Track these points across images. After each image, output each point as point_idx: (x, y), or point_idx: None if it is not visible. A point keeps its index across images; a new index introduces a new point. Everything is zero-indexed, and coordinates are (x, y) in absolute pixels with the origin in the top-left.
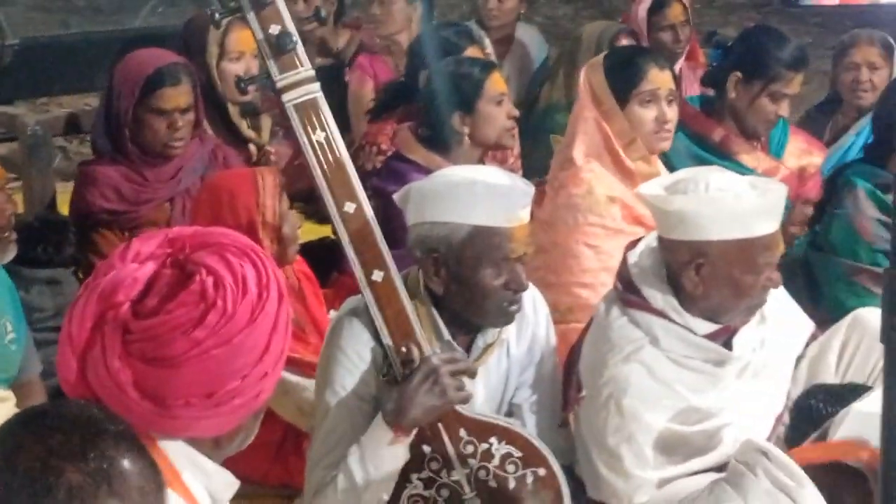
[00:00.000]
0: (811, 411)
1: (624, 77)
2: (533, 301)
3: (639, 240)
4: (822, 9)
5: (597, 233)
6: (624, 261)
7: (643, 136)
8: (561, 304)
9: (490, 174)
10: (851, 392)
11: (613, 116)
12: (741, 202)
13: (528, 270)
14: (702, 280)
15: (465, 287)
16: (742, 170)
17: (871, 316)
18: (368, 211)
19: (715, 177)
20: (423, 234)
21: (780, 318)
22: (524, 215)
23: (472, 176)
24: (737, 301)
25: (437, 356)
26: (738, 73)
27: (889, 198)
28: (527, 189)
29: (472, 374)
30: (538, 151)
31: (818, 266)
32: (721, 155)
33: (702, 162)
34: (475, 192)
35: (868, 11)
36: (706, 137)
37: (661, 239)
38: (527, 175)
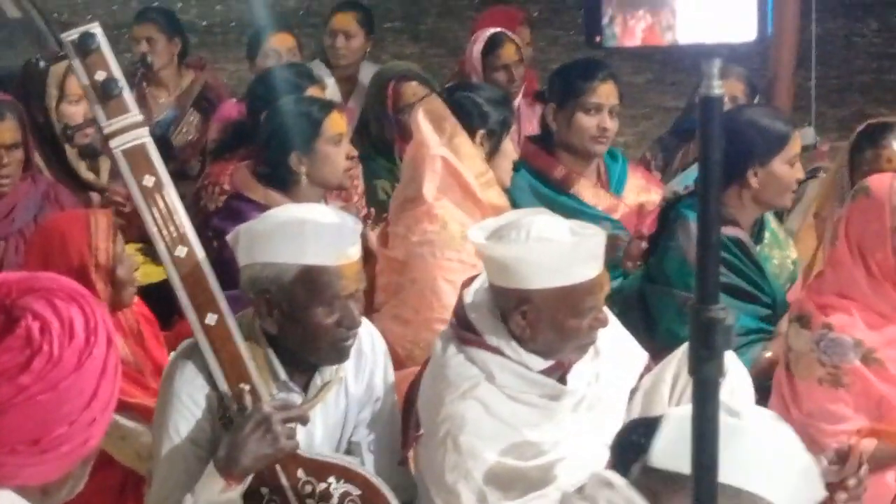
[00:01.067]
0: (633, 447)
1: (464, 113)
2: (371, 338)
3: (474, 277)
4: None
5: (454, 268)
6: (460, 298)
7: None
8: (422, 340)
9: (319, 213)
10: None
11: (463, 148)
12: (561, 251)
13: (386, 309)
14: (528, 324)
15: (298, 326)
16: (582, 207)
17: None
18: (200, 254)
19: (537, 223)
20: (253, 274)
21: (615, 351)
22: (353, 253)
23: (300, 215)
24: (563, 343)
25: (268, 403)
26: (553, 104)
27: (723, 231)
28: (355, 227)
29: (304, 422)
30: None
31: (653, 298)
32: (562, 192)
33: (544, 199)
34: (303, 232)
35: (671, 51)
36: (547, 174)
37: (490, 283)
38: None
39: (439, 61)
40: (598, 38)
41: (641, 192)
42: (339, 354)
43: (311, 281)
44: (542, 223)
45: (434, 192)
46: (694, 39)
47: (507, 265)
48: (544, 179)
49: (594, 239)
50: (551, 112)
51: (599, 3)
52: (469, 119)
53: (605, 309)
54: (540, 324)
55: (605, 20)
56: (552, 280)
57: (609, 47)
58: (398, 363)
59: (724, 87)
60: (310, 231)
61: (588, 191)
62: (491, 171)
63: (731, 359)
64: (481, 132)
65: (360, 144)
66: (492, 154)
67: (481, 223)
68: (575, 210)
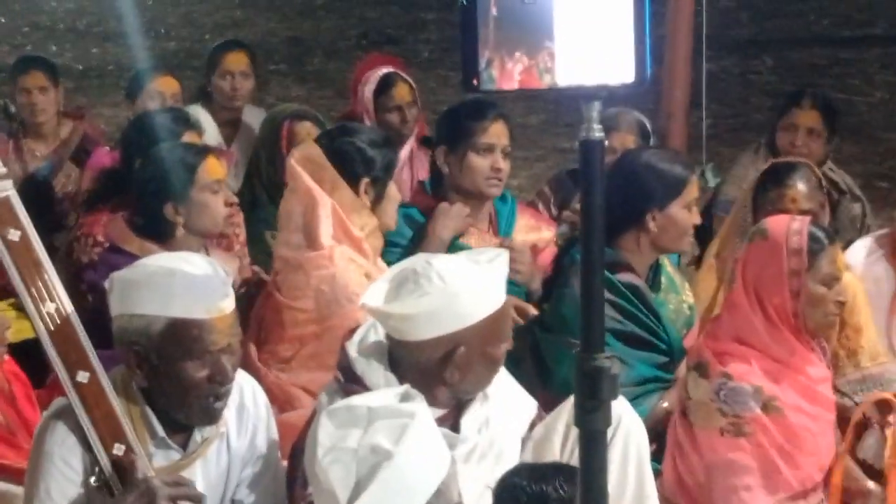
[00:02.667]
0: (515, 489)
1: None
2: (253, 392)
3: (355, 329)
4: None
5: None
6: (343, 350)
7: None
8: None
9: (189, 263)
10: (556, 470)
11: (346, 200)
12: (483, 280)
13: (300, 361)
14: (459, 367)
15: (168, 381)
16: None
17: None
18: (70, 309)
19: (437, 267)
20: (122, 326)
21: (503, 396)
22: (225, 305)
23: (169, 265)
24: (491, 374)
25: (159, 478)
26: (443, 146)
27: (618, 277)
28: (226, 279)
29: (196, 500)
30: (256, 249)
31: (546, 346)
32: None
33: None
34: (171, 283)
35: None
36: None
37: (402, 343)
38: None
39: (326, 103)
40: (475, 82)
41: (531, 231)
42: (210, 415)
43: (180, 334)
44: (441, 265)
45: (330, 238)
46: (573, 82)
47: (434, 315)
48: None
49: (500, 259)
50: (442, 155)
51: (475, 46)
52: (352, 166)
53: None
54: (471, 362)
55: (483, 63)
56: (482, 311)
57: (487, 90)
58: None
59: (616, 139)
60: (179, 282)
61: (474, 238)
62: (374, 220)
63: (624, 408)
64: (366, 180)
65: (249, 191)
66: (376, 201)
67: (369, 290)
68: None
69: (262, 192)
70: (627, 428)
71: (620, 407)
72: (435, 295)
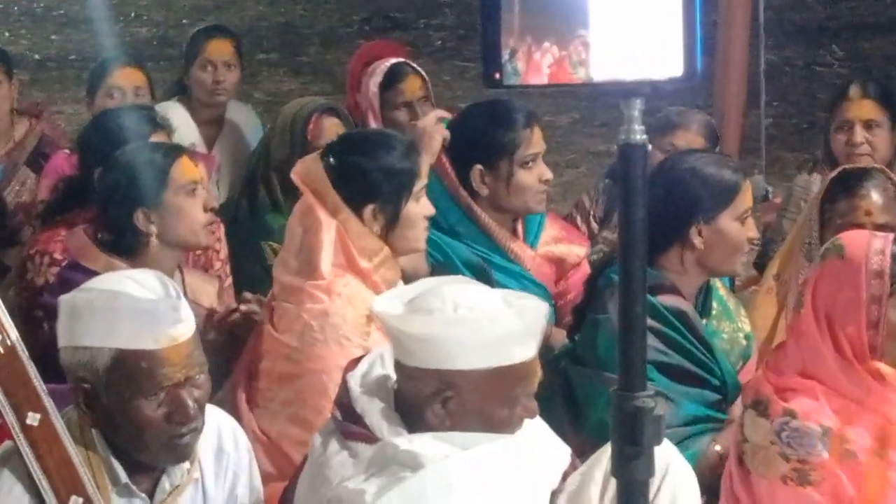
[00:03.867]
0: None
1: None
2: (233, 434)
3: (360, 359)
4: (543, 88)
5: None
6: (344, 384)
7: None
8: None
9: (137, 283)
10: None
11: (350, 226)
12: (496, 325)
13: (276, 405)
14: (449, 414)
15: (122, 422)
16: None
17: None
18: (15, 339)
19: (464, 292)
20: (67, 359)
21: (531, 444)
22: (178, 333)
23: (114, 287)
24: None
25: None
26: (479, 166)
27: (662, 301)
28: (179, 301)
29: None
30: (250, 258)
31: (580, 383)
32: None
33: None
34: (115, 309)
35: (597, 87)
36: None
37: (399, 365)
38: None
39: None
40: (497, 75)
41: (559, 243)
42: (175, 454)
43: (128, 368)
44: (470, 292)
45: (331, 265)
46: (611, 76)
47: (430, 342)
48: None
49: (533, 312)
50: (479, 176)
51: (497, 34)
52: (354, 191)
53: None
54: (464, 414)
55: (506, 54)
56: (484, 360)
57: (511, 85)
58: (290, 472)
59: (681, 139)
60: (123, 307)
61: (517, 245)
62: (386, 248)
63: (672, 455)
64: (371, 206)
65: (249, 196)
66: (390, 225)
67: (392, 291)
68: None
69: (267, 197)
70: (675, 478)
71: (667, 453)
72: (438, 319)
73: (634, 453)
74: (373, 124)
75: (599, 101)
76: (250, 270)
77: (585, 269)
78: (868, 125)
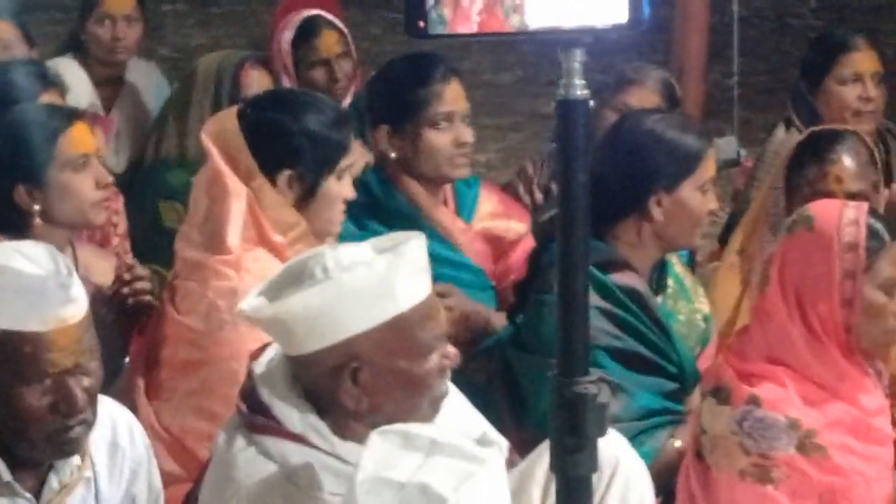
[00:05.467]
0: None
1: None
2: (129, 428)
3: (266, 346)
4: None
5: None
6: (249, 374)
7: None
8: None
9: (25, 257)
10: None
11: (264, 195)
12: (375, 275)
13: (180, 397)
14: (363, 389)
15: (1, 411)
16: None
17: None
18: None
19: (326, 255)
20: None
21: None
22: (68, 315)
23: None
24: (416, 401)
25: None
26: (386, 127)
27: (614, 279)
28: (67, 280)
29: None
30: (147, 223)
31: (522, 370)
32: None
33: None
34: None
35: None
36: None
37: (294, 360)
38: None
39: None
40: (420, 24)
41: (496, 219)
42: (62, 449)
43: (9, 352)
44: (333, 251)
45: (239, 239)
46: (548, 23)
47: (311, 318)
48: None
49: (409, 248)
50: (385, 136)
51: None
52: (271, 153)
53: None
54: (379, 382)
55: (431, 0)
56: (375, 315)
57: (437, 35)
58: (197, 471)
59: (635, 96)
60: (6, 283)
61: (448, 218)
62: (304, 223)
63: (622, 449)
64: (287, 172)
65: (153, 152)
66: (305, 199)
67: (253, 289)
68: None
69: (174, 151)
70: (627, 475)
71: (617, 448)
72: (313, 291)
73: (576, 446)
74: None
75: (546, 57)
76: (149, 239)
77: (528, 247)
78: (874, 78)
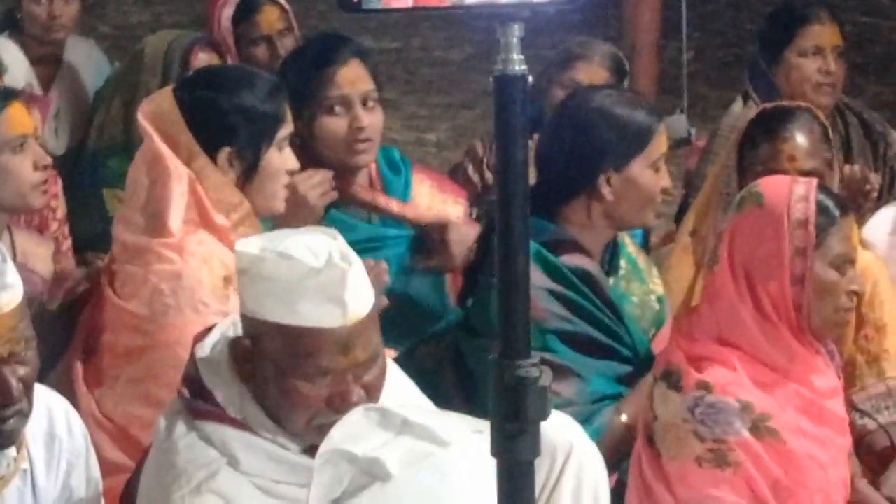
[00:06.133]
0: None
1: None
2: (66, 418)
3: (211, 328)
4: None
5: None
6: (192, 357)
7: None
8: None
9: None
10: None
11: (206, 176)
12: (291, 275)
13: (122, 384)
14: (255, 370)
15: None
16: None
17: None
18: None
19: (305, 238)
20: None
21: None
22: (3, 302)
23: None
24: (289, 413)
25: None
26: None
27: (564, 261)
28: (2, 266)
29: None
30: (90, 212)
31: (472, 355)
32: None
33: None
34: None
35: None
36: None
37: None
38: (83, 246)
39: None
40: None
41: (432, 203)
42: None
43: None
44: (309, 238)
45: (181, 221)
46: None
47: (238, 279)
48: None
49: (339, 271)
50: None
51: None
52: (209, 131)
53: (390, 364)
54: (266, 373)
55: None
56: (276, 312)
57: (370, 9)
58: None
59: (583, 72)
60: None
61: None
62: (247, 203)
63: (575, 434)
64: (227, 150)
65: (93, 140)
66: (247, 175)
67: (195, 271)
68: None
69: (118, 137)
70: (581, 460)
71: (571, 433)
72: (249, 257)
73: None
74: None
75: (493, 34)
76: (91, 227)
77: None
78: (835, 52)
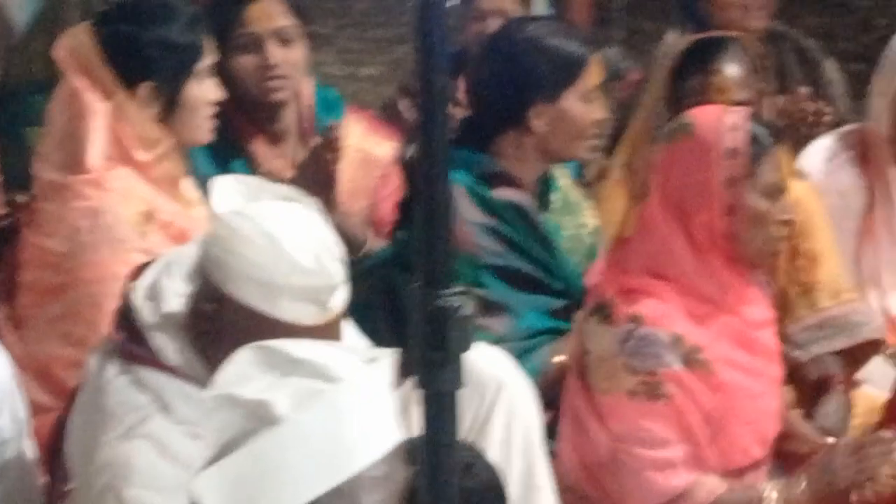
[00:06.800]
0: None
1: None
2: None
3: (146, 266)
4: None
5: (141, 261)
6: (125, 297)
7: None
8: None
9: None
10: None
11: (126, 111)
12: (269, 260)
13: (44, 324)
14: (215, 328)
15: None
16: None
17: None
18: None
19: (292, 213)
20: None
21: None
22: None
23: None
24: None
25: None
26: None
27: (496, 194)
28: None
29: None
30: (13, 151)
31: (406, 293)
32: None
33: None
34: None
35: None
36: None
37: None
38: (8, 186)
39: None
40: None
41: (363, 141)
42: None
43: None
44: (296, 214)
45: (99, 157)
46: None
47: (211, 249)
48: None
49: (328, 277)
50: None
51: None
52: (126, 66)
53: None
54: (222, 334)
55: None
56: (252, 297)
57: None
58: (66, 400)
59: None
60: None
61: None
62: (167, 139)
63: (506, 369)
64: (146, 85)
65: (13, 77)
66: (170, 108)
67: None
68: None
69: (42, 73)
70: (511, 401)
71: (501, 366)
72: (230, 227)
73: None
74: None
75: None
76: (16, 166)
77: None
78: None
